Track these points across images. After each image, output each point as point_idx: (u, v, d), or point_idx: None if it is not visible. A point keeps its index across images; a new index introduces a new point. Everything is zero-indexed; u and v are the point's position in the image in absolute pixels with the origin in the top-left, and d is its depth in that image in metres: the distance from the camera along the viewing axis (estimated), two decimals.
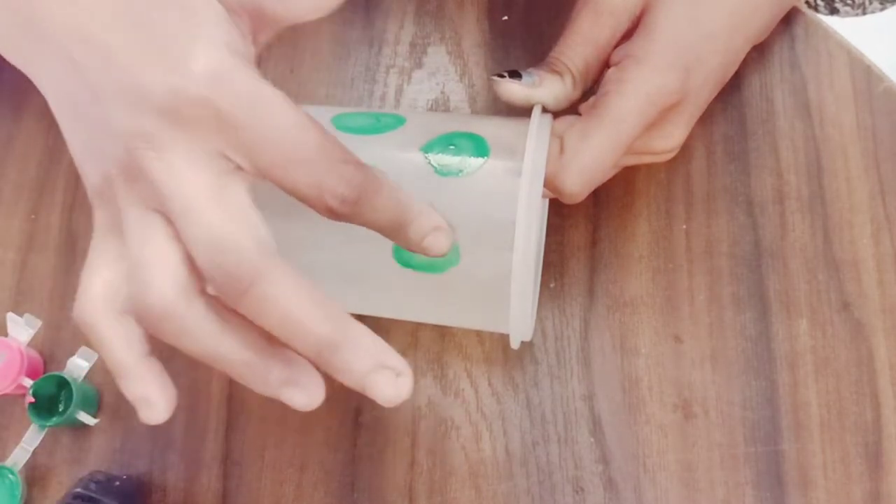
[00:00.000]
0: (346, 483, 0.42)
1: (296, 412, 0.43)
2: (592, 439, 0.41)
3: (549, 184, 0.37)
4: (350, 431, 0.42)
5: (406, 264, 0.35)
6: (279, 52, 0.49)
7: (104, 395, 0.44)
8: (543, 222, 0.44)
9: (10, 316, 0.44)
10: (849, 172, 0.44)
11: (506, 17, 0.49)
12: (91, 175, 0.28)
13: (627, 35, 0.39)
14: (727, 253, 0.43)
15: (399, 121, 0.38)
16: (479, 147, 0.36)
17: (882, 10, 0.46)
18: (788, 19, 0.46)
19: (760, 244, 0.43)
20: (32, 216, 0.48)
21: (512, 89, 0.38)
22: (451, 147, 0.36)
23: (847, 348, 0.41)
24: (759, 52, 0.45)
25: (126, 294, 0.28)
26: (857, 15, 0.46)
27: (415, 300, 0.38)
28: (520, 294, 0.34)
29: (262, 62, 0.49)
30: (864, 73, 0.45)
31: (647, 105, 0.37)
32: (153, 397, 0.28)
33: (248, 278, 0.26)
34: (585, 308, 0.43)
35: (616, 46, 0.39)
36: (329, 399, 0.43)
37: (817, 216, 0.43)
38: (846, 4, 0.45)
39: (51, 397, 0.43)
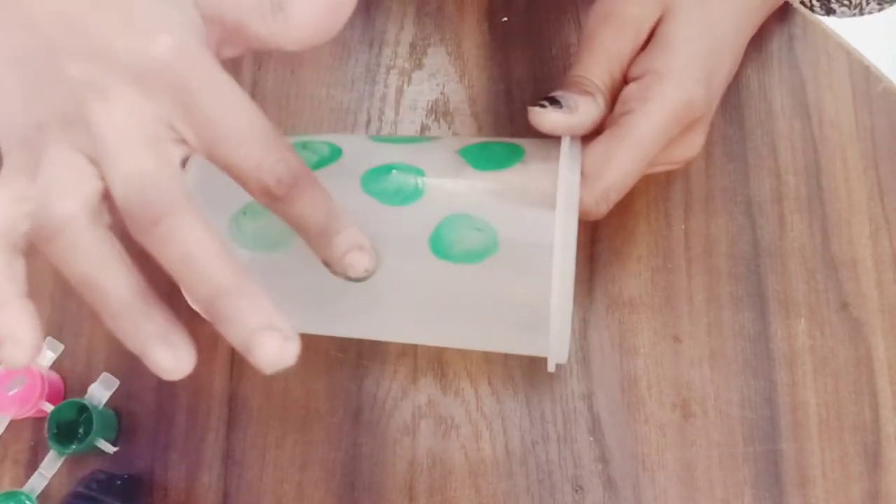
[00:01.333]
0: (347, 482, 0.42)
1: (297, 412, 0.43)
2: (591, 438, 0.41)
3: None
4: (350, 430, 0.42)
5: (444, 256, 0.34)
6: (280, 53, 0.49)
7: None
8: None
9: None
10: (847, 173, 0.44)
11: (505, 18, 0.49)
12: (19, 125, 0.28)
13: (643, 45, 0.38)
14: (726, 253, 0.43)
15: (432, 138, 0.40)
16: (515, 150, 0.36)
17: (880, 10, 0.46)
18: (787, 19, 0.46)
19: (759, 244, 0.43)
20: None
21: (555, 119, 0.36)
22: (486, 150, 0.36)
23: (845, 348, 0.41)
24: (758, 53, 0.46)
25: (29, 213, 0.28)
26: (853, 15, 0.46)
27: (447, 308, 0.37)
28: (559, 309, 0.33)
29: (263, 64, 0.49)
30: (863, 74, 0.45)
31: (673, 123, 0.36)
32: (21, 334, 0.27)
33: (163, 209, 0.26)
34: (584, 307, 0.43)
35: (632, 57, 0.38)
36: (330, 398, 0.43)
37: (816, 216, 0.43)
38: (843, 5, 0.45)
39: (70, 423, 0.42)
